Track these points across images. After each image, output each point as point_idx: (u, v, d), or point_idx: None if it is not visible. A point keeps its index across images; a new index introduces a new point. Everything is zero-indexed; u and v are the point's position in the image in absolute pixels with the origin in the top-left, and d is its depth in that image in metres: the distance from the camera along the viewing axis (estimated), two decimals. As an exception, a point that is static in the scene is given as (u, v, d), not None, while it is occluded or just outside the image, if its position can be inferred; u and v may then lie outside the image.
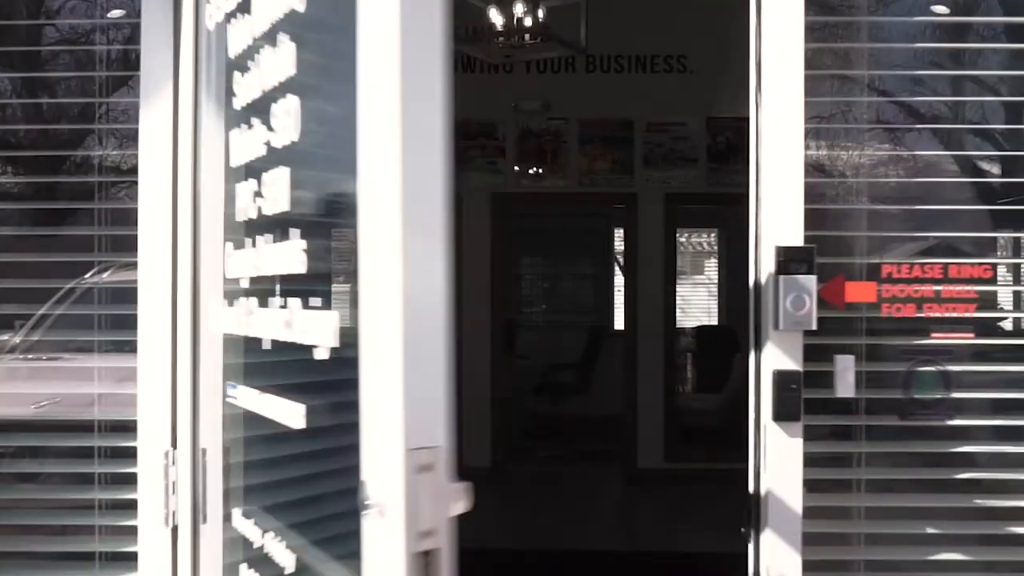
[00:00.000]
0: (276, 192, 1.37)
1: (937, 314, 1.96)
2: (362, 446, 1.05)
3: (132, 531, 1.95)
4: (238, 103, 1.53)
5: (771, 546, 1.89)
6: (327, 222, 1.34)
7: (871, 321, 1.98)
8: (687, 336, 9.01)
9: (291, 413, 1.33)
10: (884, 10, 2.53)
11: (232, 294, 1.60)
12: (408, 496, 0.97)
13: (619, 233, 9.82)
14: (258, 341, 1.46)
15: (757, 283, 1.90)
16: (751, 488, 1.93)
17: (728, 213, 8.86)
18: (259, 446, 1.56)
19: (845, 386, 1.91)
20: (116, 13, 2.12)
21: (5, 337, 2.74)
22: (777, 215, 1.88)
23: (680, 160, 7.05)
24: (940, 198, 2.25)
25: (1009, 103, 2.60)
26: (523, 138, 7.18)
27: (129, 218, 1.94)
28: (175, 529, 1.90)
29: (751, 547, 1.94)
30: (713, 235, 11.12)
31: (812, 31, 1.87)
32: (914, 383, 1.98)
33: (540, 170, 7.19)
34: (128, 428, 1.97)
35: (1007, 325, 2.28)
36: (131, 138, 1.95)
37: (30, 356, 2.73)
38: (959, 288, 1.96)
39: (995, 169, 2.91)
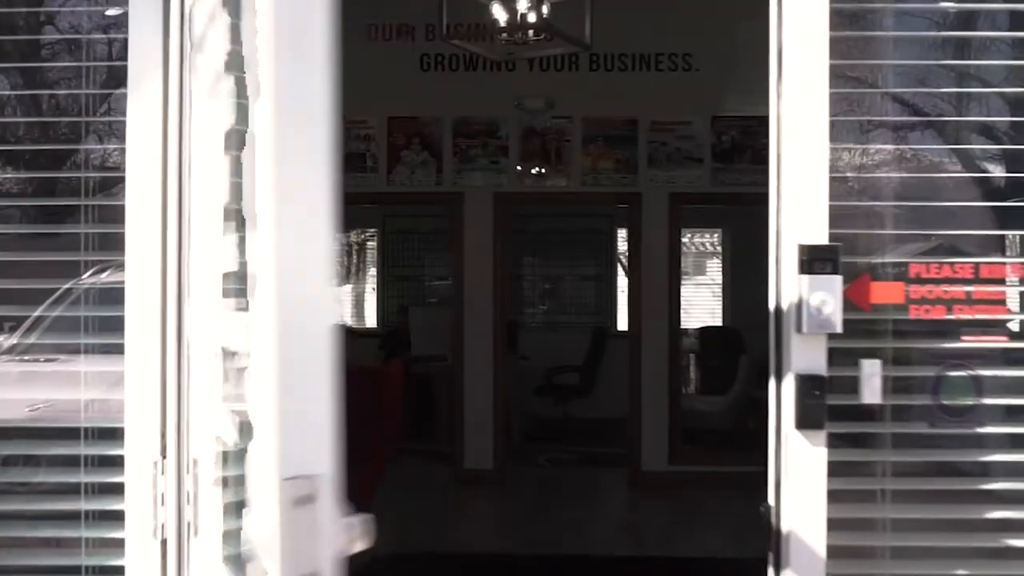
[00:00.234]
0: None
1: (967, 316, 1.86)
2: (246, 475, 0.93)
3: (119, 543, 1.87)
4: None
5: (795, 558, 1.79)
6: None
7: (896, 323, 1.88)
8: (691, 337, 8.93)
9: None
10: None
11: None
12: (283, 532, 0.84)
13: (623, 233, 9.75)
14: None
15: (779, 283, 1.80)
16: (771, 500, 1.83)
17: (733, 213, 8.78)
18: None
19: (871, 392, 1.81)
20: (112, 12, 2.03)
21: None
22: (800, 211, 1.78)
23: (685, 159, 6.96)
24: (962, 196, 2.15)
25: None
26: (526, 137, 7.09)
27: (117, 216, 1.85)
28: (164, 542, 1.81)
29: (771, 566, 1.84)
30: (717, 235, 11.04)
31: (839, 16, 1.77)
32: (943, 389, 1.89)
33: (543, 169, 7.10)
34: (117, 435, 1.88)
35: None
36: (119, 135, 1.85)
37: (26, 358, 2.65)
38: (991, 289, 1.86)
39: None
